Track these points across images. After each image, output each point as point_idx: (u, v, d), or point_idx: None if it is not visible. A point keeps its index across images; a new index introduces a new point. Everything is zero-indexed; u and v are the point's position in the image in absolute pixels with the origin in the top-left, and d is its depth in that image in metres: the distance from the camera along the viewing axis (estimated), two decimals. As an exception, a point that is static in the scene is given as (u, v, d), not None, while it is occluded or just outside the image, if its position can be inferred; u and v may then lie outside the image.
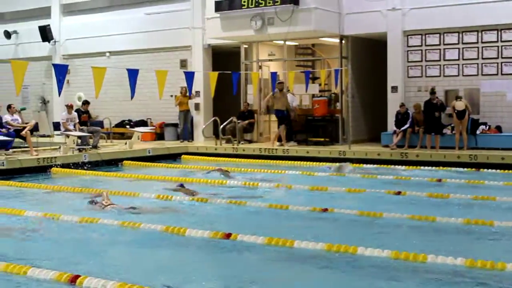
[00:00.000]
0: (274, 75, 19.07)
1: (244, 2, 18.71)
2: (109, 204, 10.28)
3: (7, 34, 26.36)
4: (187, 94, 20.16)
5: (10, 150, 16.32)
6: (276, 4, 18.24)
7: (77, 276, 6.24)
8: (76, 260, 7.25)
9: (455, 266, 6.77)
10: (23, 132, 16.35)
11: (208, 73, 18.99)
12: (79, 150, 17.07)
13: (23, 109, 20.39)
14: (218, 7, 19.30)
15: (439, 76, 18.15)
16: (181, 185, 12.17)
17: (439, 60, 18.16)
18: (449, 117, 17.36)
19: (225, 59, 21.89)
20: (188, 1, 22.02)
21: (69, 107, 17.90)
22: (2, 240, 8.37)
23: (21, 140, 16.76)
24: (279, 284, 6.54)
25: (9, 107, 16.97)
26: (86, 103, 18.98)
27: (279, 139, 19.12)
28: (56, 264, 6.96)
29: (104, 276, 6.27)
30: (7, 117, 16.65)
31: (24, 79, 13.46)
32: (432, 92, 16.97)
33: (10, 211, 10.07)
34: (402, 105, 17.75)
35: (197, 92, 21.44)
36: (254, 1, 18.54)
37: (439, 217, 9.24)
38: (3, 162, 14.84)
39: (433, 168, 15.35)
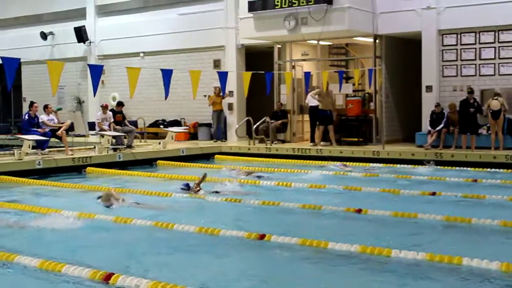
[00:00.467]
0: (307, 75, 19.03)
1: (278, 2, 18.69)
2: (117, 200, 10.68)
3: (44, 35, 26.71)
4: (221, 94, 20.22)
5: (46, 150, 16.55)
6: (309, 3, 18.19)
7: (111, 274, 6.29)
8: (110, 259, 7.30)
9: (490, 270, 6.66)
10: (59, 132, 16.55)
11: (241, 73, 19.01)
12: (114, 150, 17.23)
13: (59, 109, 20.64)
14: (252, 7, 19.31)
15: (475, 75, 17.92)
16: (187, 185, 12.07)
17: (475, 59, 17.94)
18: (485, 117, 17.14)
19: (258, 59, 21.89)
20: (221, 1, 22.08)
21: (104, 108, 18.08)
22: (38, 238, 8.47)
23: (56, 140, 16.97)
24: (313, 286, 6.50)
25: (45, 107, 17.19)
26: (120, 104, 19.12)
27: (327, 139, 19.17)
28: (90, 262, 7.02)
29: (137, 275, 6.31)
30: (43, 117, 16.86)
31: (60, 79, 13.63)
32: (471, 91, 16.75)
33: (46, 210, 10.19)
34: (437, 105, 17.57)
35: (231, 92, 21.47)
36: (287, 1, 18.51)
37: (474, 218, 9.11)
38: (39, 162, 15.04)
39: (469, 168, 15.17)
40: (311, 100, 19.37)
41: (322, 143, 19.01)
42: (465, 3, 17.75)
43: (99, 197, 10.97)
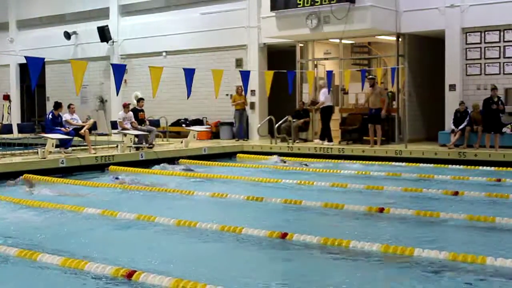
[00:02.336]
0: (329, 73, 18.99)
1: (300, 1, 18.68)
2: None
3: (67, 35, 26.91)
4: (243, 93, 20.23)
5: (69, 149, 16.68)
6: (332, 2, 18.14)
7: (133, 272, 6.32)
8: (133, 256, 7.34)
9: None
10: (82, 131, 16.67)
11: (263, 72, 19.03)
12: (136, 148, 17.30)
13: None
14: (274, 6, 19.31)
15: (499, 74, 17.76)
16: (117, 178, 13.38)
17: (499, 58, 17.77)
18: (509, 116, 16.97)
19: (280, 58, 21.89)
20: (243, 0, 22.10)
21: (125, 107, 18.16)
22: (61, 236, 8.54)
23: (80, 139, 17.09)
24: (335, 285, 6.49)
25: (69, 106, 17.32)
26: (141, 100, 19.06)
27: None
28: (112, 259, 7.06)
29: (159, 273, 6.33)
30: (66, 116, 17.00)
31: (83, 78, 13.73)
32: (494, 88, 16.56)
33: (69, 207, 10.27)
34: (461, 103, 17.40)
35: (253, 91, 21.49)
36: (309, -1, 18.50)
37: (498, 217, 9.04)
38: (62, 160, 15.16)
39: (492, 168, 15.05)
40: (328, 99, 19.30)
41: (316, 140, 19.17)
42: (489, 1, 17.60)
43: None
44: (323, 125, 19.51)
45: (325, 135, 19.26)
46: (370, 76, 18.51)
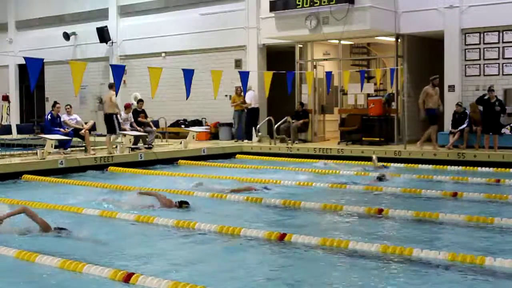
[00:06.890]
0: (329, 74, 18.98)
1: (299, 1, 18.67)
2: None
3: (66, 36, 26.89)
4: (242, 94, 20.25)
5: (68, 149, 16.68)
6: (331, 3, 18.13)
7: (131, 274, 6.31)
8: (131, 258, 7.33)
9: (514, 269, 6.61)
10: (82, 131, 16.68)
11: (262, 72, 19.01)
12: (132, 149, 17.25)
13: None
14: (273, 7, 19.30)
15: (498, 74, 17.75)
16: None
17: (498, 59, 17.75)
18: (509, 117, 16.96)
19: (279, 59, 21.87)
20: (243, 1, 22.10)
21: (127, 107, 18.16)
22: (59, 237, 8.52)
23: (79, 139, 17.09)
24: (334, 285, 6.48)
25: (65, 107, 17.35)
26: (140, 101, 19.07)
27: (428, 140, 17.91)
28: (110, 262, 7.05)
29: (158, 275, 6.32)
30: (65, 117, 17.00)
31: (82, 79, 13.71)
32: (490, 89, 16.53)
33: (68, 208, 10.26)
34: (458, 104, 17.37)
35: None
36: (308, 0, 18.47)
37: (497, 218, 9.04)
38: (61, 161, 15.15)
39: (491, 168, 15.03)
40: (252, 101, 20.49)
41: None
42: (488, 2, 17.58)
43: None
44: (247, 125, 20.73)
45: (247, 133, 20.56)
46: (435, 76, 17.40)
